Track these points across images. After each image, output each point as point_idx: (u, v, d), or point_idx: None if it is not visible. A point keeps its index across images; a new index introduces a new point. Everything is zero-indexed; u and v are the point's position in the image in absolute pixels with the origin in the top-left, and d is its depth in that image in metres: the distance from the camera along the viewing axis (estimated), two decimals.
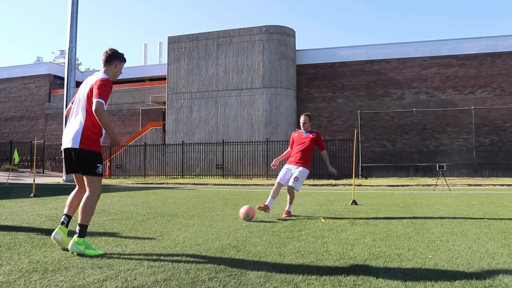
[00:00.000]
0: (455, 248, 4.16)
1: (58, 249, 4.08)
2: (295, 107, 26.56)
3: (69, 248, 3.85)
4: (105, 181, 23.37)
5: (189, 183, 20.86)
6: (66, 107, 19.70)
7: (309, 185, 18.69)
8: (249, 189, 16.09)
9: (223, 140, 25.47)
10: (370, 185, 17.75)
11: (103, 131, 4.09)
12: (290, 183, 6.88)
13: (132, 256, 3.79)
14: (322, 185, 18.71)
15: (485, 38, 24.57)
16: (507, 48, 24.03)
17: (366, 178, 22.69)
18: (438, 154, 24.03)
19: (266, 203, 6.74)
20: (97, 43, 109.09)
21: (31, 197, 10.72)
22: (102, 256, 3.80)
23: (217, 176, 24.94)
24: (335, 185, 18.48)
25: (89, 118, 3.99)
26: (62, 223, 4.07)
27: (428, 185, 17.25)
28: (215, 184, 20.04)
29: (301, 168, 6.96)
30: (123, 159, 28.04)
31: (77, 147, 3.94)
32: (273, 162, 7.37)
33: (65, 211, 4.14)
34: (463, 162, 23.20)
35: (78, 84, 30.91)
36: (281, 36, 26.09)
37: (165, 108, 28.37)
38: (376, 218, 6.41)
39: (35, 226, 5.70)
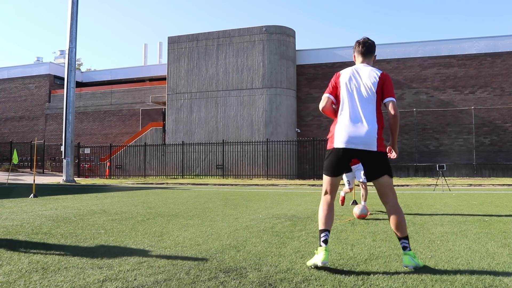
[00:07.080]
0: (455, 248, 4.16)
1: (58, 249, 4.08)
2: (295, 107, 26.56)
3: (406, 264, 3.31)
4: (105, 181, 23.37)
5: (189, 183, 20.85)
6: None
7: (309, 185, 18.69)
8: (249, 189, 16.08)
9: (223, 140, 25.47)
10: (370, 185, 17.70)
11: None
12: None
13: (132, 256, 3.79)
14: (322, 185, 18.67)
15: (485, 38, 24.57)
16: (507, 48, 24.03)
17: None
18: (438, 154, 24.03)
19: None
20: (97, 43, 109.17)
21: (31, 197, 10.71)
22: (103, 256, 3.79)
23: (217, 176, 24.94)
24: None
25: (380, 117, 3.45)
26: (326, 241, 3.38)
27: (428, 185, 17.24)
28: (215, 184, 20.03)
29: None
30: (123, 159, 28.05)
31: (375, 149, 3.40)
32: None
33: (323, 227, 3.48)
34: (463, 162, 23.21)
35: (78, 84, 31.02)
36: (281, 36, 26.09)
37: (165, 108, 28.37)
38: (376, 219, 6.41)
39: (35, 226, 5.70)
